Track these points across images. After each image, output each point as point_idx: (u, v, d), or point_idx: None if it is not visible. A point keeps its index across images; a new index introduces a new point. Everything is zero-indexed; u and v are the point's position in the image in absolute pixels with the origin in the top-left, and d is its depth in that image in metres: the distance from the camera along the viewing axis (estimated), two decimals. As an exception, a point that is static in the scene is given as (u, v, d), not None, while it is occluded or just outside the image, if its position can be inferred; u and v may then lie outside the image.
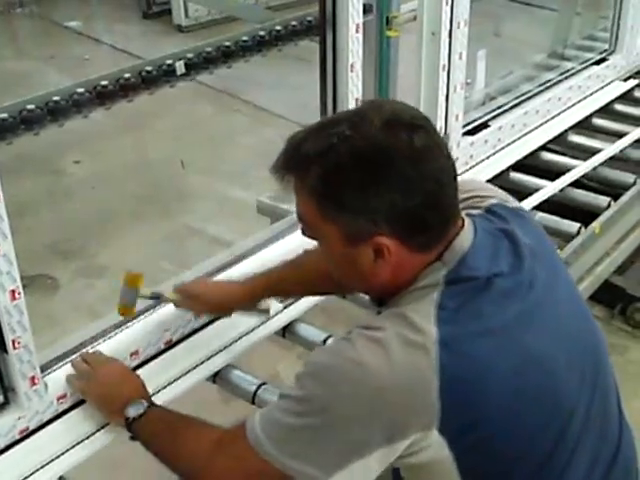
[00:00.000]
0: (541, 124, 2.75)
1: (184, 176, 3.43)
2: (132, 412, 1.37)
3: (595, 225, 2.22)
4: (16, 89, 3.66)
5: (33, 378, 1.42)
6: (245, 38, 2.95)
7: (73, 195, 3.44)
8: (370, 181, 1.06)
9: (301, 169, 1.09)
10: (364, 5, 1.92)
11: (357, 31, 1.89)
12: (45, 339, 1.72)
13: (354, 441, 1.06)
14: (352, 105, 1.93)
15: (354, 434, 1.06)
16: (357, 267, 1.13)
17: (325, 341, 1.76)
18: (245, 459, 1.15)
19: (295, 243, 1.94)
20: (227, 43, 3.04)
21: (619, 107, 3.08)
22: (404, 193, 1.06)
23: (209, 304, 1.62)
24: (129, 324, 1.65)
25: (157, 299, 1.63)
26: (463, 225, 1.14)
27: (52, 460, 1.44)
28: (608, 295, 2.70)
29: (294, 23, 2.92)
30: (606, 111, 3.01)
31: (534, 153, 2.65)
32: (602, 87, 3.08)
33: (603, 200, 2.38)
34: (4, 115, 2.57)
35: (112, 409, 1.42)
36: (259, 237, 2.00)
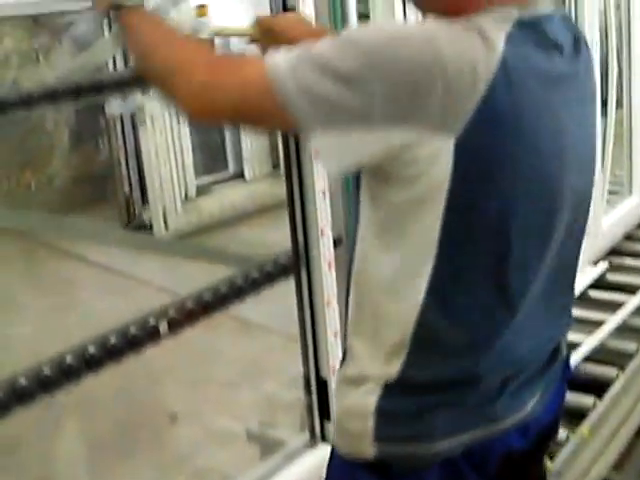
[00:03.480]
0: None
1: (171, 399, 3.43)
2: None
3: (584, 430, 2.22)
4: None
5: None
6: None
7: (63, 428, 3.41)
8: None
9: None
10: (334, 240, 2.01)
11: (329, 269, 1.96)
12: None
13: (378, 96, 1.01)
14: (331, 339, 1.99)
15: (379, 92, 1.01)
16: None
17: None
18: (250, 72, 1.08)
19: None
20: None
21: (593, 294, 3.13)
22: None
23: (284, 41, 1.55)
24: None
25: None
26: None
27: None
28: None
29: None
30: (582, 299, 3.05)
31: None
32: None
33: (588, 400, 2.39)
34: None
35: None
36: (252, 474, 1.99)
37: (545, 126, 1.08)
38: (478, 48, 1.02)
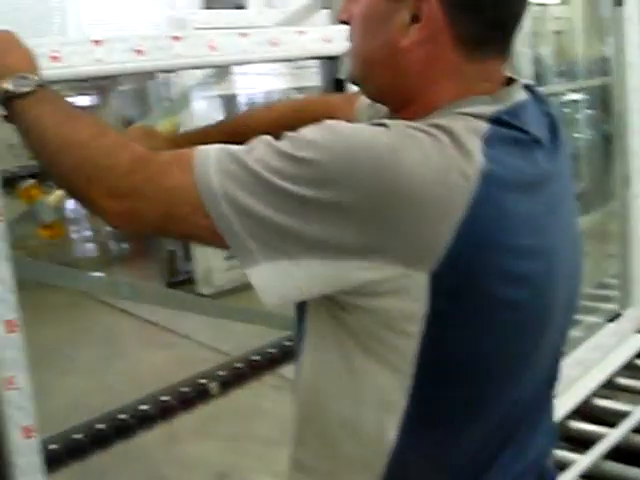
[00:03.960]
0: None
1: (215, 453, 3.43)
2: (13, 85, 1.04)
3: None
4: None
5: None
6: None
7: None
8: None
9: None
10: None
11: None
12: None
13: (326, 231, 0.84)
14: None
15: (335, 219, 0.84)
16: (388, 33, 0.95)
17: None
18: (177, 181, 0.90)
19: None
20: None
21: (640, 363, 3.07)
22: None
23: None
24: None
25: None
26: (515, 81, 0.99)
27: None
28: None
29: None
30: (628, 368, 3.02)
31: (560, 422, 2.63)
32: (619, 344, 3.11)
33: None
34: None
35: None
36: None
37: (532, 245, 0.92)
38: (453, 161, 0.85)
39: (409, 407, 0.93)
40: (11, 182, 1.49)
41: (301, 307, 1.02)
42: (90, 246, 6.28)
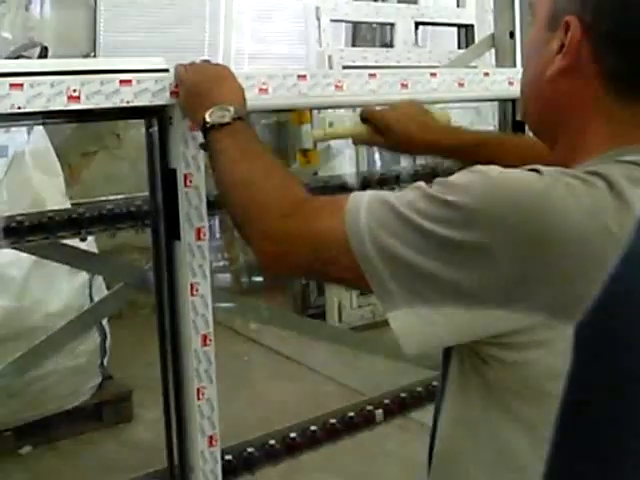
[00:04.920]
0: None
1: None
2: (212, 116, 1.13)
3: None
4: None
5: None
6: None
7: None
8: None
9: None
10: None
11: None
12: None
13: (473, 278, 0.82)
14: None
15: (481, 264, 0.82)
16: (540, 63, 0.94)
17: None
18: (327, 226, 0.92)
19: None
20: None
21: None
22: None
23: (394, 141, 1.44)
24: None
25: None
26: None
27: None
28: None
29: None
30: None
31: None
32: None
33: None
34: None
35: (197, 105, 1.19)
36: None
37: None
38: (608, 208, 0.83)
39: (547, 475, 0.89)
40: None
41: (446, 353, 0.99)
42: (222, 276, 6.41)
